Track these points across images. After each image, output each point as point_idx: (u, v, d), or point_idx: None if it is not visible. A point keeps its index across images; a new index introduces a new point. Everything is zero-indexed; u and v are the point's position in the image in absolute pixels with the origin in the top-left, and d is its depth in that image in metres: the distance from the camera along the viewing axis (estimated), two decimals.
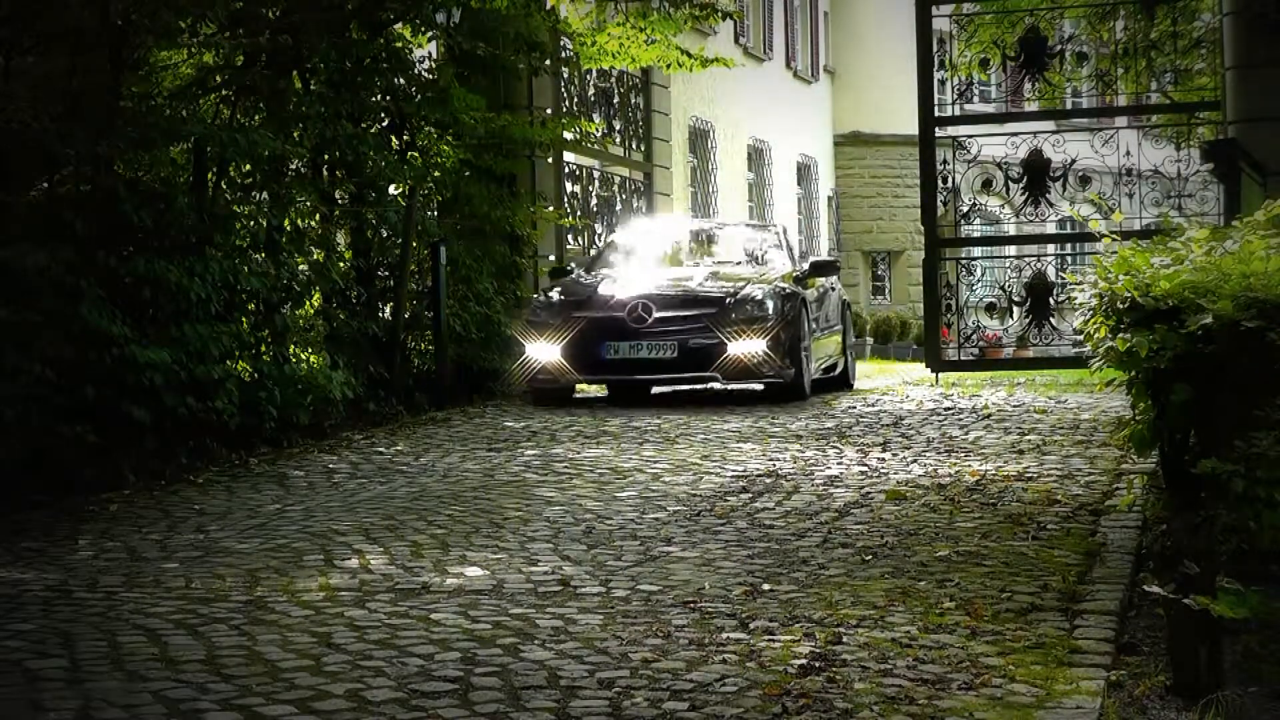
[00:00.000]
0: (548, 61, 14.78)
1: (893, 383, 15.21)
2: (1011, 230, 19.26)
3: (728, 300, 11.99)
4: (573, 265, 14.06)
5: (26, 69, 9.15)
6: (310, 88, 11.66)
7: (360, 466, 8.96)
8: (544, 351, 12.00)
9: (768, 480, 8.03)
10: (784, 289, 12.27)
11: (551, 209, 15.64)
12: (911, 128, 16.57)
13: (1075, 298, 6.66)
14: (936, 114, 15.00)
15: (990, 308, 15.02)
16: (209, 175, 10.21)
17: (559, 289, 12.59)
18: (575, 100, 18.02)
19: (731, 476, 8.19)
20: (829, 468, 8.44)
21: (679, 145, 23.43)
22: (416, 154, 13.05)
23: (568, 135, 15.95)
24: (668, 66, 15.47)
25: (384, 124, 12.93)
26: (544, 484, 8.07)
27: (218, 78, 11.13)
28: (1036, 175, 14.58)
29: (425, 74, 13.23)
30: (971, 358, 15.23)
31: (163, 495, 8.08)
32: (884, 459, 8.77)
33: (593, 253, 15.58)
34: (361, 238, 12.50)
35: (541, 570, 5.91)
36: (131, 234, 9.11)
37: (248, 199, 10.79)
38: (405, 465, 8.94)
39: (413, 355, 12.80)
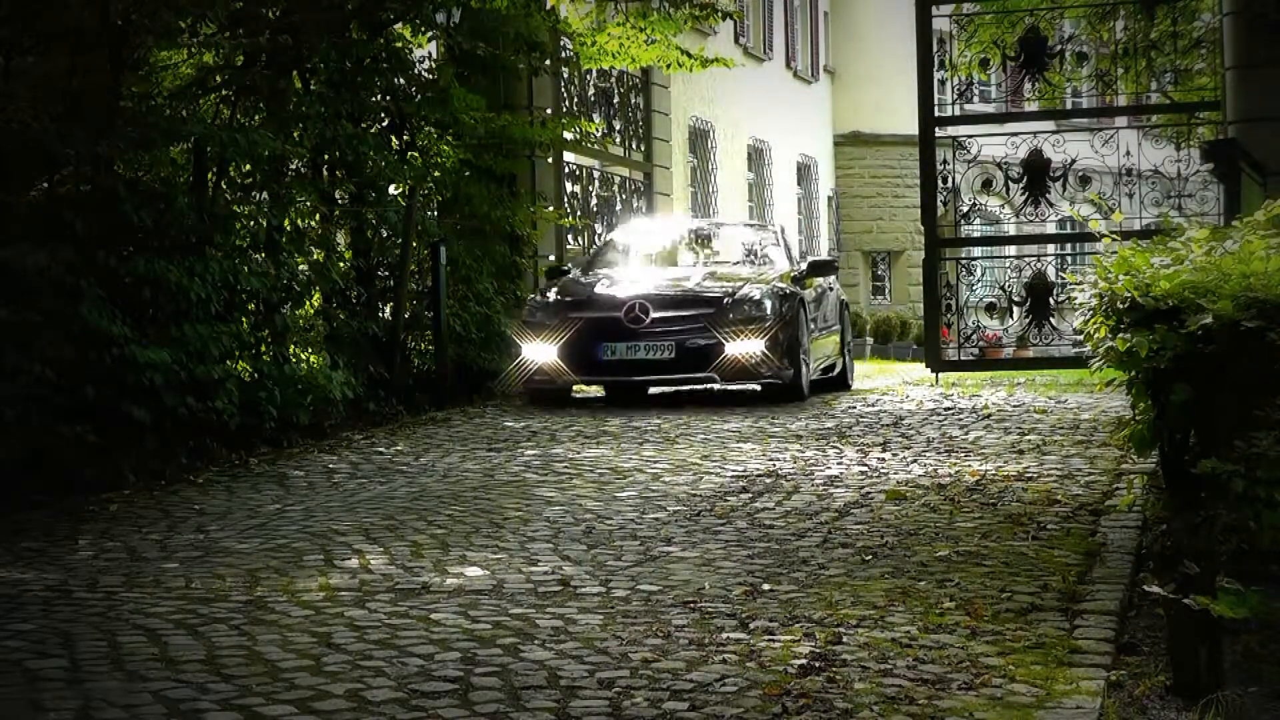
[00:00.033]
0: (548, 61, 14.79)
1: (893, 383, 15.21)
2: (1011, 230, 19.26)
3: (726, 300, 11.95)
4: (569, 265, 14.03)
5: (26, 69, 9.15)
6: (310, 88, 11.66)
7: (360, 466, 8.96)
8: (541, 352, 11.95)
9: (768, 480, 8.03)
10: (782, 289, 12.24)
11: (551, 209, 15.65)
12: (911, 128, 16.57)
13: (1075, 298, 6.66)
14: (936, 114, 15.01)
15: (990, 308, 15.02)
16: (209, 175, 10.21)
17: (556, 289, 12.54)
18: (575, 100, 18.03)
19: (731, 476, 8.19)
20: (829, 468, 8.44)
21: (679, 145, 23.44)
22: (416, 154, 13.05)
23: (568, 135, 15.95)
24: (668, 66, 15.47)
25: (384, 124, 12.93)
26: (544, 484, 8.07)
27: (218, 78, 11.13)
28: (1036, 175, 14.58)
29: (425, 74, 13.24)
30: (971, 358, 15.23)
31: (163, 495, 8.08)
32: (884, 459, 8.77)
33: (590, 252, 15.56)
34: (361, 238, 12.50)
35: (541, 570, 5.91)
36: (131, 234, 9.11)
37: (248, 199, 10.79)
38: (405, 465, 8.94)
39: (413, 355, 12.80)
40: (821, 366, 13.24)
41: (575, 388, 12.60)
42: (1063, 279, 15.88)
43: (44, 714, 4.04)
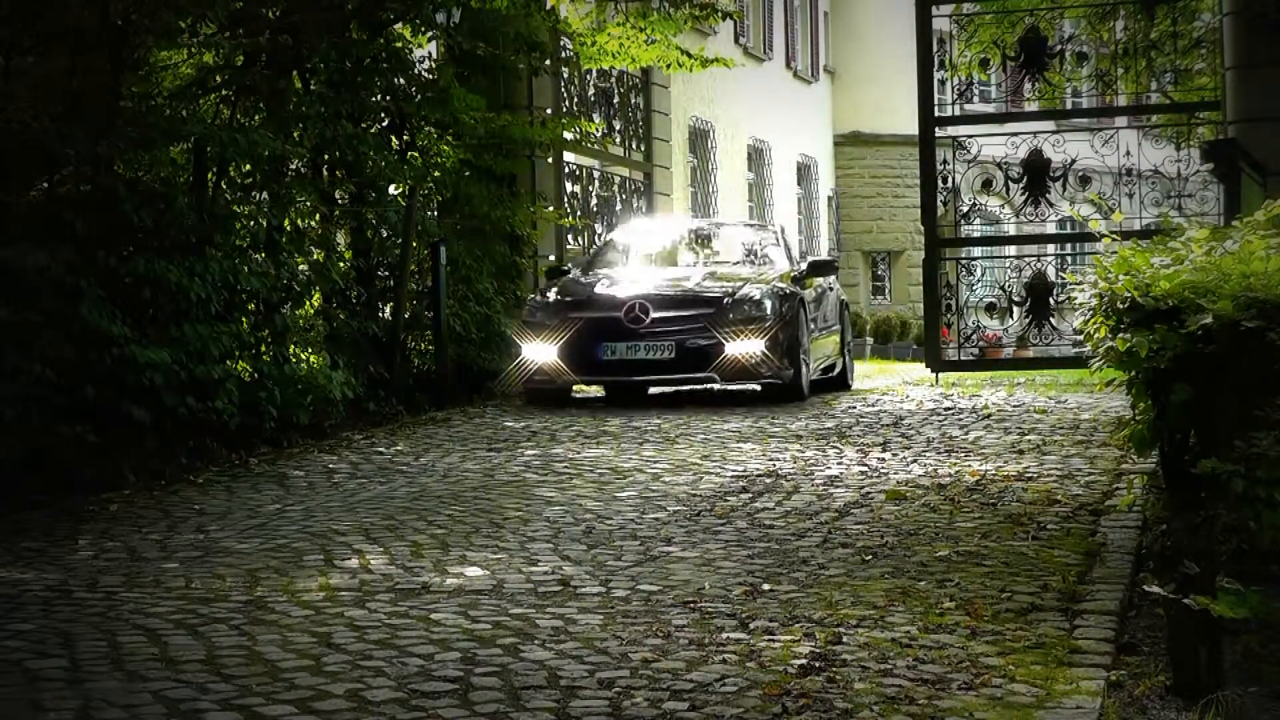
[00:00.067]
0: (548, 61, 14.78)
1: (893, 383, 15.21)
2: (1011, 230, 19.26)
3: (725, 300, 11.92)
4: (569, 265, 14.01)
5: (26, 69, 9.15)
6: (310, 88, 11.66)
7: (360, 466, 8.96)
8: (540, 352, 11.93)
9: (768, 480, 8.03)
10: (782, 289, 12.21)
11: (551, 209, 15.65)
12: (911, 128, 16.57)
13: (1075, 298, 6.66)
14: (936, 114, 15.01)
15: (990, 308, 15.02)
16: (209, 175, 10.21)
17: (556, 289, 12.51)
18: (575, 100, 18.03)
19: (731, 476, 8.19)
20: (829, 468, 8.44)
21: (679, 145, 23.44)
22: (416, 154, 13.05)
23: (568, 135, 15.95)
24: (668, 66, 15.47)
25: (384, 124, 12.93)
26: (544, 484, 8.07)
27: (218, 78, 11.13)
28: (1036, 175, 14.58)
29: (425, 74, 13.24)
30: (971, 358, 15.23)
31: (163, 495, 8.08)
32: (884, 459, 8.77)
33: (590, 252, 15.54)
34: (361, 238, 12.50)
35: (541, 570, 5.91)
36: (131, 234, 9.11)
37: (248, 199, 10.79)
38: (405, 465, 8.94)
39: (413, 355, 12.80)
40: (821, 366, 13.22)
41: (575, 388, 12.60)
42: (1063, 279, 15.88)
43: (44, 714, 4.04)
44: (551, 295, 12.37)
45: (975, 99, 22.68)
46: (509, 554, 6.24)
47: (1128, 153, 14.51)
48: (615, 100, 19.73)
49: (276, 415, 9.83)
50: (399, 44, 12.51)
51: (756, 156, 28.66)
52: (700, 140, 25.30)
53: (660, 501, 7.46)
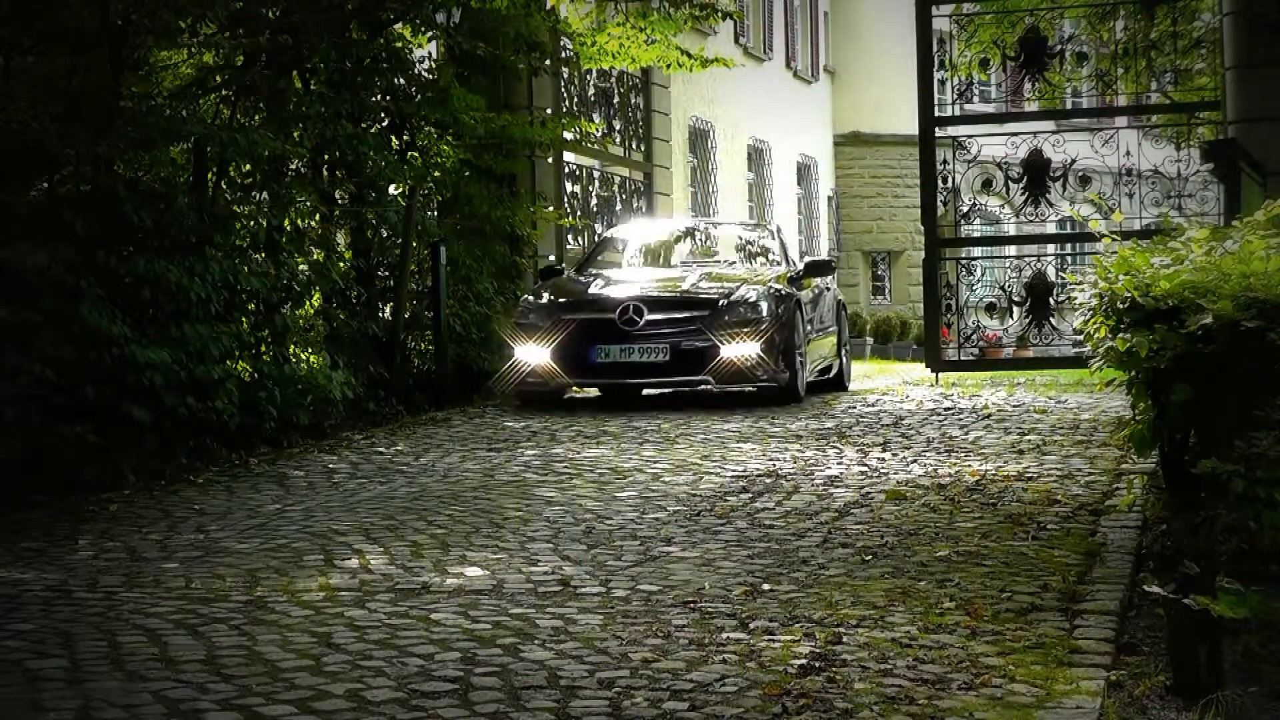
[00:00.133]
0: (548, 61, 14.78)
1: (893, 383, 15.21)
2: (1011, 230, 19.26)
3: (721, 302, 11.79)
4: (563, 265, 13.92)
5: (26, 69, 9.15)
6: (310, 88, 11.66)
7: (360, 466, 8.96)
8: (533, 354, 11.76)
9: (768, 480, 8.03)
10: (778, 290, 12.10)
11: (551, 209, 15.64)
12: (911, 128, 16.57)
13: (1075, 298, 6.66)
14: (936, 114, 15.01)
15: (990, 308, 15.02)
16: (209, 175, 10.21)
17: (549, 290, 12.34)
18: (575, 100, 18.02)
19: (731, 476, 8.19)
20: (829, 468, 8.44)
21: (679, 145, 23.44)
22: (416, 154, 13.05)
23: (568, 135, 15.95)
24: (668, 66, 15.46)
25: (384, 124, 12.93)
26: (544, 484, 8.07)
27: (218, 78, 11.13)
28: (1036, 175, 14.59)
29: (425, 74, 13.23)
30: (971, 358, 15.23)
31: (163, 495, 8.08)
32: (884, 459, 8.77)
33: (584, 252, 15.48)
34: (361, 238, 12.50)
35: (541, 570, 5.91)
36: (131, 234, 9.11)
37: (248, 199, 10.79)
38: (405, 465, 8.94)
39: (413, 355, 12.79)
40: (818, 368, 13.12)
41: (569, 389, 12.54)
42: (1063, 279, 15.88)
43: (44, 714, 4.04)
44: (545, 296, 12.19)
45: (975, 99, 22.67)
46: (509, 554, 6.24)
47: (1128, 153, 14.52)
48: (615, 100, 19.73)
49: (276, 415, 9.83)
50: (399, 44, 12.50)
51: (756, 156, 28.66)
52: (700, 140, 25.30)
53: (660, 501, 7.46)
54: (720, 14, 16.44)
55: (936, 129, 14.92)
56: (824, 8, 32.72)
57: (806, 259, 14.16)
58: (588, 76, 18.41)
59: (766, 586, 5.56)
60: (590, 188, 18.47)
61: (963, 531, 6.55)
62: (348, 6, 11.87)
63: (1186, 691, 4.36)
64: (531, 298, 12.39)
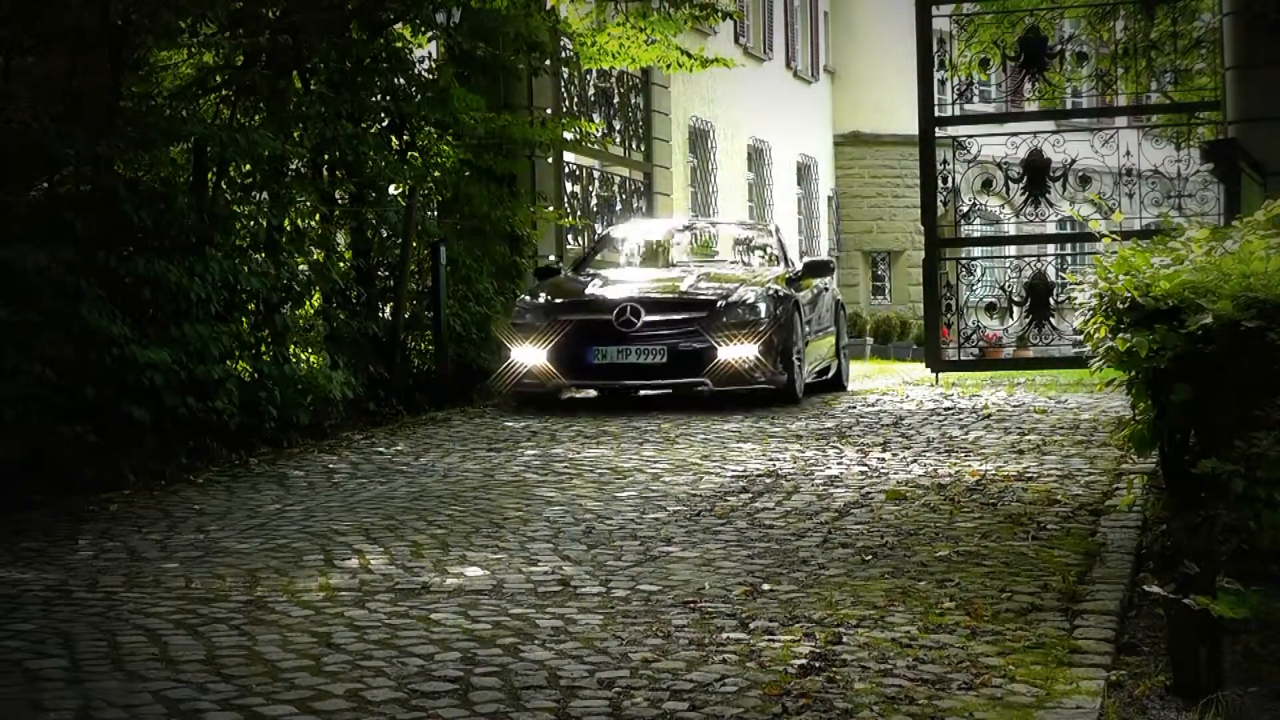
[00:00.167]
0: (548, 61, 14.78)
1: (893, 383, 15.20)
2: (1011, 230, 19.25)
3: (719, 303, 11.69)
4: (560, 264, 13.85)
5: (26, 69, 9.15)
6: (310, 88, 11.66)
7: (360, 466, 8.96)
8: (529, 355, 11.65)
9: (768, 480, 8.03)
10: (777, 291, 12.03)
11: (551, 209, 15.64)
12: (911, 128, 16.57)
13: (1075, 298, 6.66)
14: (936, 114, 15.01)
15: (990, 308, 15.02)
16: (209, 175, 10.21)
17: (546, 290, 12.24)
18: (575, 100, 18.03)
19: (731, 476, 8.19)
20: (829, 468, 8.44)
21: (679, 145, 23.44)
22: (416, 154, 13.05)
23: (568, 135, 15.95)
24: (668, 66, 15.46)
25: (384, 124, 12.93)
26: (544, 484, 8.07)
27: (218, 78, 11.13)
28: (1036, 175, 14.59)
29: (425, 74, 13.23)
30: (971, 358, 15.23)
31: (163, 495, 8.08)
32: (884, 459, 8.77)
33: (582, 252, 15.43)
34: (361, 238, 12.50)
35: (541, 570, 5.91)
36: (131, 234, 9.12)
37: (248, 199, 10.79)
38: (405, 465, 8.94)
39: (413, 355, 12.79)
40: (816, 369, 13.03)
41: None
42: (1063, 279, 15.88)
43: (44, 714, 4.04)
44: (541, 297, 12.09)
45: (975, 99, 22.67)
46: (509, 554, 6.24)
47: (1128, 153, 14.52)
48: (615, 100, 19.73)
49: (276, 415, 9.83)
50: (399, 44, 12.50)
51: (756, 156, 28.66)
52: (700, 140, 25.31)
53: (660, 501, 7.46)
54: (720, 14, 16.43)
55: (936, 129, 14.92)
56: (824, 8, 32.73)
57: (805, 259, 14.09)
58: (588, 76, 18.41)
59: (766, 586, 5.56)
60: (590, 188, 18.47)
61: (963, 531, 6.55)
62: (348, 6, 11.87)
63: (1186, 691, 4.36)
64: (528, 298, 12.30)
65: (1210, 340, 5.29)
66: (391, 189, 12.86)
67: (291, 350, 10.74)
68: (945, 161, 15.06)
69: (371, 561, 6.13)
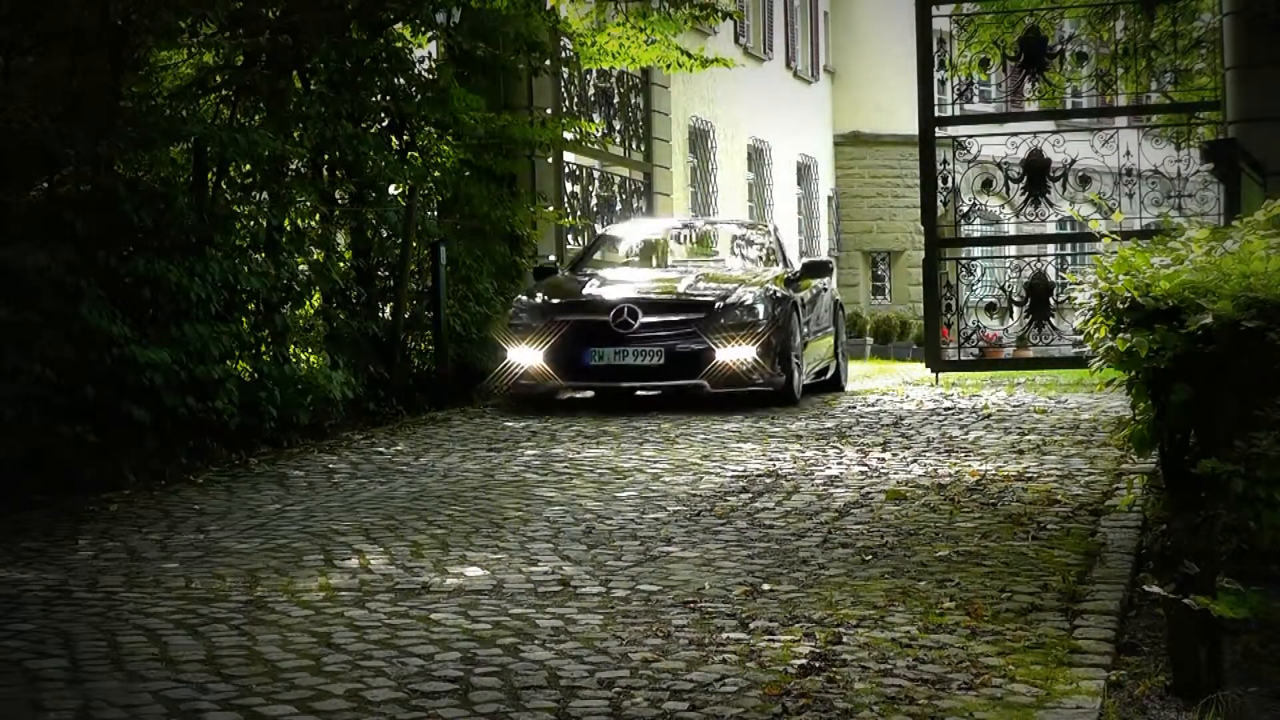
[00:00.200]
0: (548, 61, 14.78)
1: (893, 383, 15.20)
2: (1011, 230, 19.25)
3: (717, 305, 11.62)
4: (556, 263, 13.80)
5: (26, 69, 9.15)
6: (310, 88, 11.66)
7: (360, 466, 8.96)
8: (526, 356, 11.59)
9: (768, 480, 8.03)
10: (775, 292, 11.98)
11: (551, 209, 15.64)
12: (911, 128, 16.57)
13: (1075, 298, 6.66)
14: (936, 114, 15.01)
15: (990, 308, 15.02)
16: (209, 175, 10.21)
17: (543, 290, 12.17)
18: (575, 100, 18.03)
19: (731, 476, 8.19)
20: (829, 468, 8.44)
21: (679, 145, 23.44)
22: (416, 154, 13.05)
23: (568, 135, 15.95)
24: (668, 66, 15.47)
25: (384, 124, 12.93)
26: (544, 484, 8.07)
27: (218, 78, 11.13)
28: (1036, 175, 14.59)
29: (425, 74, 13.23)
30: (971, 358, 15.23)
31: (163, 495, 8.08)
32: (884, 459, 8.77)
33: (580, 251, 15.38)
34: (361, 238, 12.50)
35: (541, 570, 5.91)
36: (131, 234, 9.12)
37: (248, 199, 10.79)
38: (405, 465, 8.94)
39: (413, 355, 12.79)
40: (814, 370, 12.98)
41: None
42: (1063, 279, 15.88)
43: (44, 714, 4.04)
44: (538, 297, 12.02)
45: (975, 99, 22.67)
46: (509, 554, 6.24)
47: (1128, 153, 14.52)
48: (615, 100, 19.73)
49: (276, 415, 9.83)
50: (399, 44, 12.50)
51: (756, 156, 28.66)
52: (700, 140, 25.31)
53: (660, 501, 7.46)
54: (720, 14, 16.43)
55: (936, 129, 14.92)
56: (824, 8, 32.73)
57: (804, 260, 14.04)
58: (588, 76, 18.41)
59: (766, 586, 5.56)
60: (590, 188, 18.47)
61: (963, 531, 6.55)
62: (348, 6, 11.87)
63: (1186, 691, 4.36)
64: (525, 298, 12.22)
65: (1210, 340, 5.29)
66: (391, 189, 12.86)
67: (291, 350, 10.74)
68: (945, 161, 15.06)
69: (371, 561, 6.13)
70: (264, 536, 6.76)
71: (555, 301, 11.91)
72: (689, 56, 15.02)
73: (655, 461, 8.79)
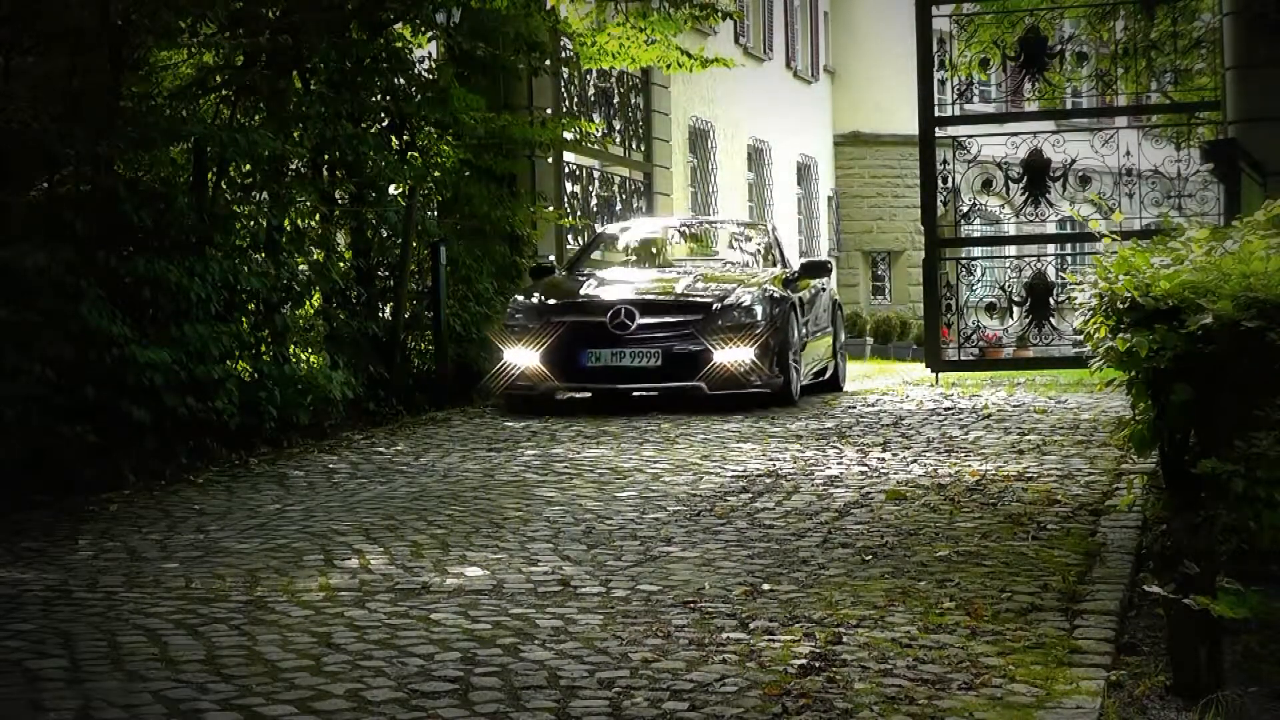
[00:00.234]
0: (548, 61, 14.77)
1: (893, 383, 15.20)
2: (1011, 230, 19.26)
3: (715, 306, 11.56)
4: (554, 263, 13.79)
5: (26, 69, 9.16)
6: (310, 88, 11.66)
7: (360, 466, 8.96)
8: (522, 357, 11.52)
9: (768, 480, 8.02)
10: (773, 293, 11.93)
11: (551, 209, 15.64)
12: (911, 128, 16.57)
13: (1075, 298, 6.66)
14: (936, 114, 15.00)
15: (990, 308, 15.02)
16: (209, 175, 10.21)
17: (540, 290, 12.11)
18: (575, 100, 18.03)
19: (731, 476, 8.19)
20: (829, 468, 8.44)
21: (679, 145, 23.44)
22: (416, 154, 13.05)
23: (568, 135, 15.94)
24: (668, 66, 15.47)
25: (384, 124, 12.92)
26: (544, 484, 8.07)
27: (218, 78, 11.13)
28: (1036, 175, 14.58)
29: (425, 74, 13.23)
30: (971, 358, 15.23)
31: (163, 495, 8.08)
32: (884, 459, 8.77)
33: (577, 250, 15.36)
34: (361, 238, 12.49)
35: (541, 570, 5.91)
36: (131, 234, 9.12)
37: (248, 199, 10.79)
38: (405, 465, 8.94)
39: (413, 355, 12.79)
40: (813, 370, 12.93)
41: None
42: (1063, 279, 15.88)
43: (44, 714, 4.04)
44: (535, 297, 11.95)
45: (975, 99, 22.67)
46: (509, 554, 6.24)
47: (1128, 153, 14.52)
48: (615, 100, 19.73)
49: (276, 415, 9.83)
50: (399, 44, 12.50)
51: (756, 156, 28.67)
52: (700, 140, 25.31)
53: (660, 501, 7.46)
54: (720, 14, 16.41)
55: (936, 129, 14.92)
56: (824, 8, 32.73)
57: (803, 260, 14.01)
58: (588, 76, 18.41)
59: (766, 586, 5.56)
60: (590, 188, 18.47)
61: (963, 531, 6.55)
62: (348, 6, 11.87)
63: (1186, 691, 4.36)
64: (522, 298, 12.15)
65: (1210, 340, 5.29)
66: (391, 189, 12.86)
67: (291, 350, 10.74)
68: (945, 161, 15.06)
69: (371, 561, 6.13)
70: (264, 536, 6.76)
71: (552, 302, 11.86)
72: (689, 56, 15.02)
73: (655, 461, 8.79)
